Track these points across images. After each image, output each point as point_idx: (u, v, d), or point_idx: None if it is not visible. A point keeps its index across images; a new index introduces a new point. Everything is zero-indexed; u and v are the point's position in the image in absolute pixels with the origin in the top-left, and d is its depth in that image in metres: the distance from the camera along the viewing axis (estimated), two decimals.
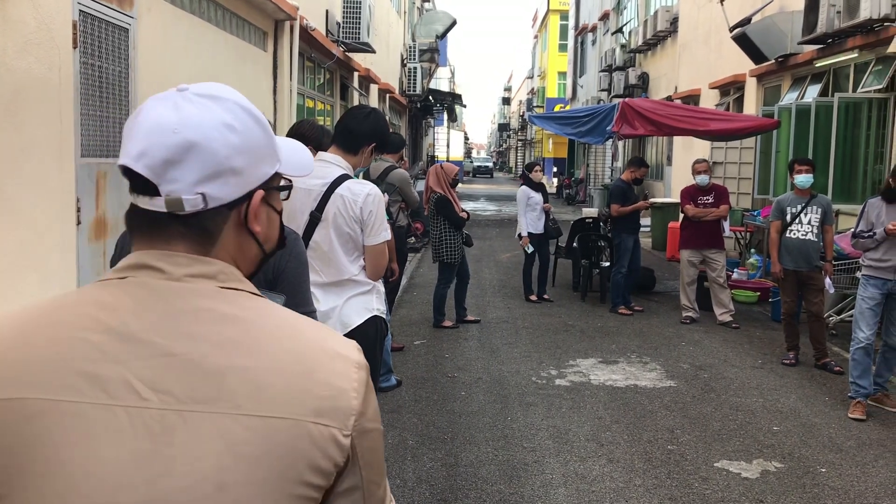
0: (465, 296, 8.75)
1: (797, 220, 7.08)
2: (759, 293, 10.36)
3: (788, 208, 7.17)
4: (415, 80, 25.04)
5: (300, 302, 2.41)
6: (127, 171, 1.03)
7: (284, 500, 0.94)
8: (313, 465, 0.96)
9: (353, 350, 1.06)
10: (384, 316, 3.67)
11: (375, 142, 3.55)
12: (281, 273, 2.38)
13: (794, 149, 11.04)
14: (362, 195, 3.43)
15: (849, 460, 4.94)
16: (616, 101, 18.86)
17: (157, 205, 1.02)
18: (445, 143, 44.28)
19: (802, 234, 7.04)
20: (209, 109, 1.03)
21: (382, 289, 3.72)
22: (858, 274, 8.13)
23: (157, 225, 1.04)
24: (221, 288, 1.03)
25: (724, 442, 5.24)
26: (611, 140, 11.33)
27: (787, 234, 7.12)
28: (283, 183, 1.18)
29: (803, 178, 7.09)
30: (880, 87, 9.55)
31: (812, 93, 11.56)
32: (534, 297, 10.04)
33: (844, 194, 9.98)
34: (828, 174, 10.00)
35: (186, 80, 7.57)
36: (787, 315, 7.27)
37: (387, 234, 3.52)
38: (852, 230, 6.06)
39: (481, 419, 5.62)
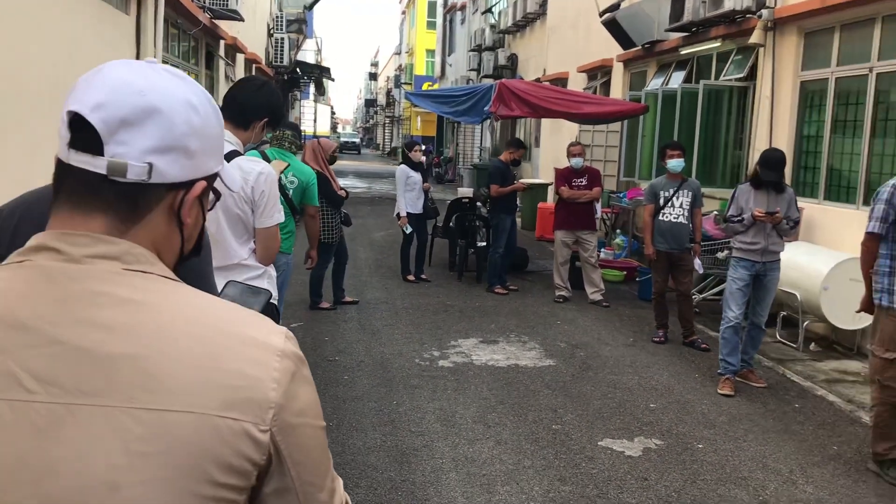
0: (343, 277, 8.56)
1: (669, 204, 7.34)
2: (625, 272, 10.73)
3: (661, 192, 7.41)
4: (282, 51, 24.30)
5: (209, 288, 2.21)
6: (73, 123, 0.95)
7: (191, 500, 0.86)
8: (223, 464, 0.87)
9: (278, 337, 0.96)
10: (275, 302, 3.46)
11: (268, 116, 3.31)
12: None
13: (660, 133, 11.46)
14: (254, 174, 3.21)
15: (722, 435, 5.16)
16: (486, 81, 19.02)
17: (97, 165, 0.94)
18: (312, 117, 43.41)
19: (674, 217, 7.30)
20: (178, 84, 1.00)
21: (274, 273, 3.51)
22: (720, 254, 8.59)
23: (88, 189, 0.95)
24: (126, 270, 0.94)
25: (606, 420, 5.36)
26: (488, 120, 11.36)
27: (660, 217, 7.37)
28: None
29: (675, 163, 7.34)
30: (741, 75, 10.04)
31: (676, 79, 12.03)
32: (411, 278, 9.97)
33: (706, 178, 10.43)
34: (692, 159, 10.42)
35: (39, 37, 6.85)
36: (658, 294, 7.53)
37: (280, 217, 3.32)
38: (723, 214, 6.31)
39: (367, 404, 5.49)
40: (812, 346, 7.55)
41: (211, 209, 1.10)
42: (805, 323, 7.50)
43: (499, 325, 7.92)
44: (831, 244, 7.90)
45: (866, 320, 7.12)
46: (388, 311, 8.35)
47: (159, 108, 0.96)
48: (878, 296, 4.54)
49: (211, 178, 1.06)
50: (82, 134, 0.94)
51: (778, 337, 7.70)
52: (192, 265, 2.34)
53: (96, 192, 0.95)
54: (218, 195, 1.11)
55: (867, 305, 4.70)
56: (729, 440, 5.09)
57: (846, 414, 5.72)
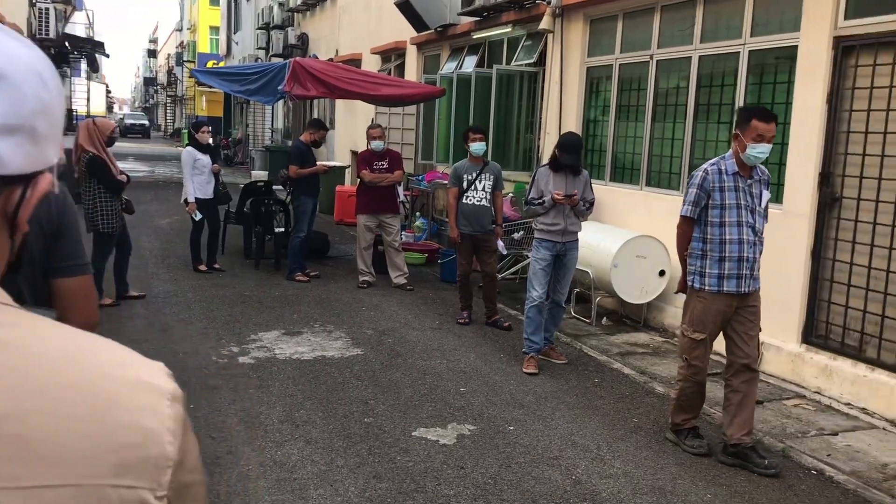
0: (126, 269, 7.83)
1: (472, 187, 7.36)
2: (426, 255, 10.75)
3: (465, 175, 7.41)
4: (47, 22, 22.08)
5: (81, 253, 2.23)
6: None
7: None
8: None
9: (163, 376, 0.79)
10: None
11: None
12: (62, 225, 2.16)
13: (456, 117, 11.56)
14: None
15: (531, 415, 5.22)
16: (276, 60, 18.35)
17: None
18: (85, 96, 40.04)
19: (477, 200, 7.34)
20: (28, 51, 0.79)
21: None
22: (516, 235, 8.78)
23: None
24: None
25: (418, 409, 5.25)
26: (283, 100, 10.88)
27: (464, 200, 7.37)
28: None
29: (477, 146, 7.37)
30: (531, 61, 10.32)
31: (470, 63, 12.18)
32: (203, 267, 9.35)
33: (501, 161, 10.60)
34: (488, 142, 10.58)
35: None
36: (463, 276, 7.55)
37: None
38: (525, 197, 6.39)
39: None
40: (604, 320, 7.91)
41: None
42: (597, 299, 7.84)
43: (302, 315, 7.59)
44: (618, 223, 8.31)
45: (651, 295, 7.61)
46: (180, 305, 7.76)
47: (5, 72, 0.74)
48: (691, 278, 4.62)
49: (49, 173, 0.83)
50: None
51: (573, 313, 8.00)
52: (72, 230, 2.26)
53: None
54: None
55: (683, 286, 4.79)
56: (538, 420, 5.15)
57: (641, 385, 6.01)
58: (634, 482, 4.28)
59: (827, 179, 6.00)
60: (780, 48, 6.59)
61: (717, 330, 4.64)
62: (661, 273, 7.54)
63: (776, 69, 6.69)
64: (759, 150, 4.37)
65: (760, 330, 4.71)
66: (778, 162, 6.60)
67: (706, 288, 4.53)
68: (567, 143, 6.14)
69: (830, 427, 5.26)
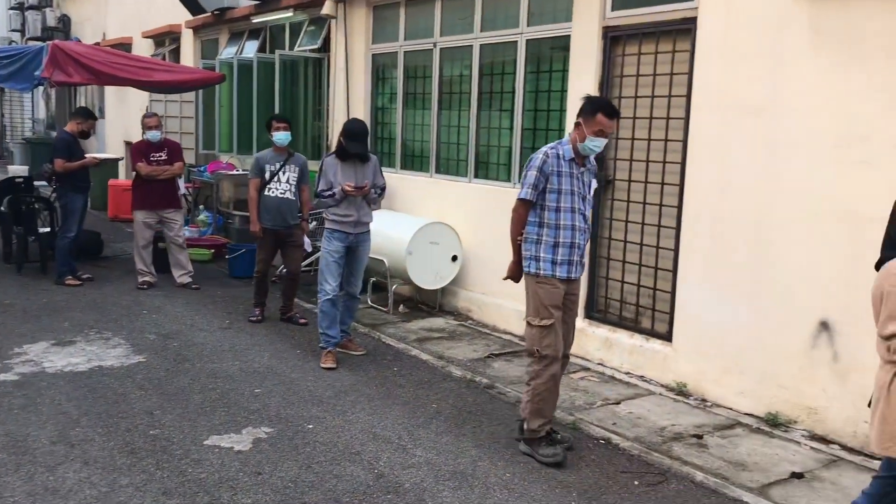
0: None
1: (276, 179, 7.02)
2: (213, 250, 10.24)
3: (267, 166, 7.06)
4: None
5: None
6: None
7: None
8: None
9: None
10: None
11: None
12: None
13: (239, 105, 11.08)
14: None
15: (331, 411, 5.09)
16: (33, 43, 16.71)
17: None
18: None
19: (281, 193, 7.01)
20: None
21: None
22: (310, 226, 8.55)
23: None
24: None
25: (210, 415, 4.94)
26: (41, 87, 9.88)
27: (266, 193, 7.02)
28: None
29: (282, 136, 7.03)
30: (315, 47, 10.09)
31: (251, 49, 11.72)
32: None
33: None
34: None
35: None
36: (261, 273, 7.22)
37: None
38: (314, 190, 6.18)
39: None
40: (401, 308, 7.92)
41: None
42: (393, 287, 7.83)
43: (74, 323, 6.93)
44: (411, 211, 8.35)
45: (445, 280, 7.71)
46: None
47: None
48: (527, 263, 4.45)
49: None
50: None
51: (370, 302, 7.93)
52: None
53: None
54: None
55: (514, 272, 4.57)
56: (338, 415, 5.02)
57: (439, 370, 6.06)
58: (436, 469, 4.28)
59: (600, 163, 6.34)
60: (554, 38, 6.87)
61: (562, 315, 4.46)
62: (454, 258, 7.66)
63: (552, 58, 6.97)
64: (596, 144, 4.33)
65: (576, 315, 4.70)
66: None
67: (542, 272, 4.39)
68: (353, 131, 6.00)
69: (614, 396, 5.58)
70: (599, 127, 4.29)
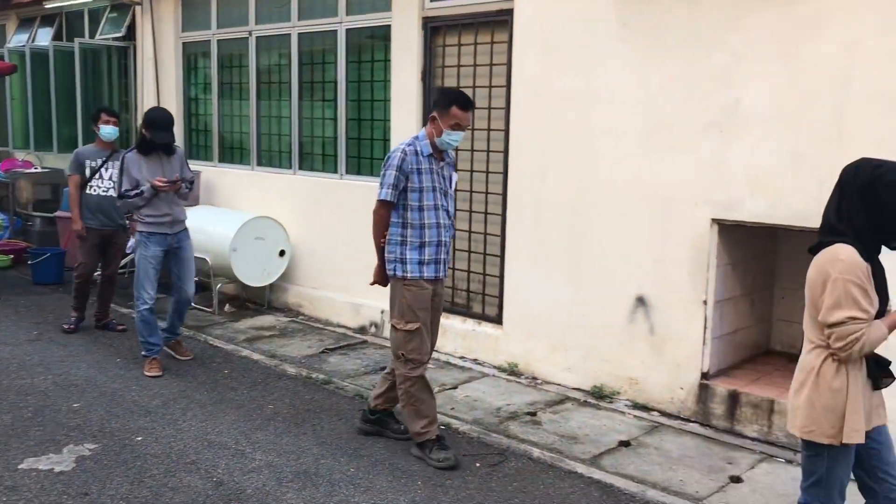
0: None
1: (98, 176, 6.51)
2: (12, 256, 9.41)
3: (88, 161, 6.53)
4: None
5: None
6: None
7: None
8: None
9: None
10: None
11: None
12: None
13: (34, 97, 10.24)
14: None
15: (160, 421, 4.82)
16: None
17: None
18: None
19: (103, 190, 6.51)
20: None
21: None
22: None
23: None
24: None
25: (23, 436, 4.54)
26: None
27: (88, 191, 6.50)
28: None
29: (109, 130, 6.52)
30: (119, 34, 9.47)
31: (44, 36, 10.83)
32: None
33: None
34: (76, 123, 9.54)
35: None
36: (83, 277, 6.66)
37: None
38: (118, 191, 5.77)
39: None
40: (227, 307, 7.65)
41: None
42: (218, 286, 7.54)
43: None
44: (232, 205, 8.07)
45: (273, 276, 7.52)
46: None
47: None
48: (393, 266, 4.29)
49: None
50: None
51: (193, 304, 7.57)
52: None
53: None
54: None
55: (380, 276, 4.41)
56: (168, 424, 4.77)
57: (273, 369, 5.90)
58: (279, 471, 4.18)
59: None
60: (375, 27, 6.85)
61: (428, 318, 4.36)
62: (282, 253, 7.48)
63: (373, 48, 6.95)
64: (454, 138, 4.26)
65: (441, 313, 4.64)
66: (382, 138, 6.89)
67: (408, 275, 4.25)
68: (156, 120, 5.64)
69: (451, 382, 5.69)
70: (455, 120, 4.19)
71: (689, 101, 4.88)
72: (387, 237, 4.31)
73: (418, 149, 4.27)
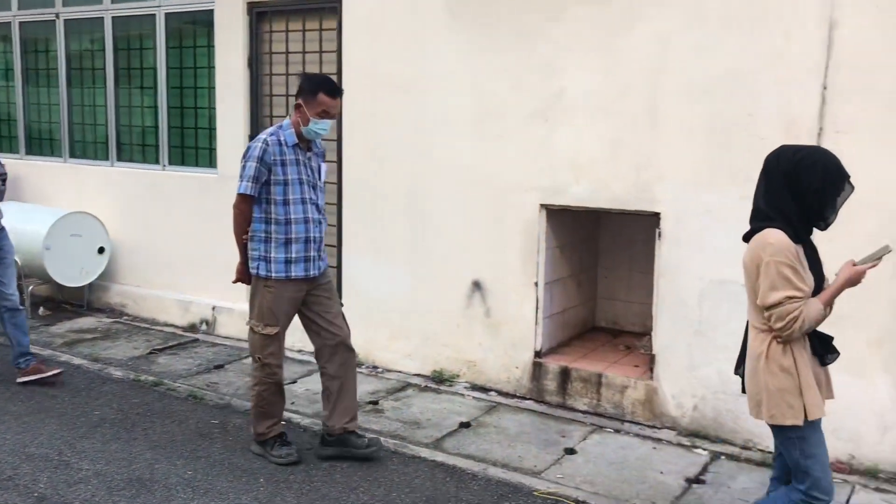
0: None
1: None
2: None
3: None
4: None
5: None
6: None
7: None
8: None
9: None
10: None
11: None
12: None
13: None
14: None
15: None
16: None
17: None
18: None
19: None
20: None
21: None
22: None
23: None
24: None
25: None
26: None
27: None
28: None
29: None
30: None
31: None
32: None
33: None
34: None
35: None
36: None
37: None
38: None
39: None
40: (41, 310, 7.11)
41: None
42: (30, 287, 6.98)
43: None
44: (43, 201, 7.50)
45: (93, 275, 7.07)
46: None
47: None
48: (255, 264, 4.06)
49: None
50: None
51: None
52: None
53: None
54: None
55: (242, 274, 4.16)
56: None
57: (97, 373, 5.55)
58: (108, 480, 3.93)
59: None
60: (196, 12, 6.56)
61: (290, 321, 4.19)
62: (101, 250, 7.03)
63: (195, 33, 6.66)
64: (321, 126, 4.01)
65: (343, 305, 4.44)
66: (208, 127, 6.64)
67: (273, 275, 4.02)
68: None
69: (290, 376, 5.55)
70: (323, 107, 3.95)
71: (517, 90, 5.04)
72: (249, 233, 4.08)
73: (282, 138, 4.01)
